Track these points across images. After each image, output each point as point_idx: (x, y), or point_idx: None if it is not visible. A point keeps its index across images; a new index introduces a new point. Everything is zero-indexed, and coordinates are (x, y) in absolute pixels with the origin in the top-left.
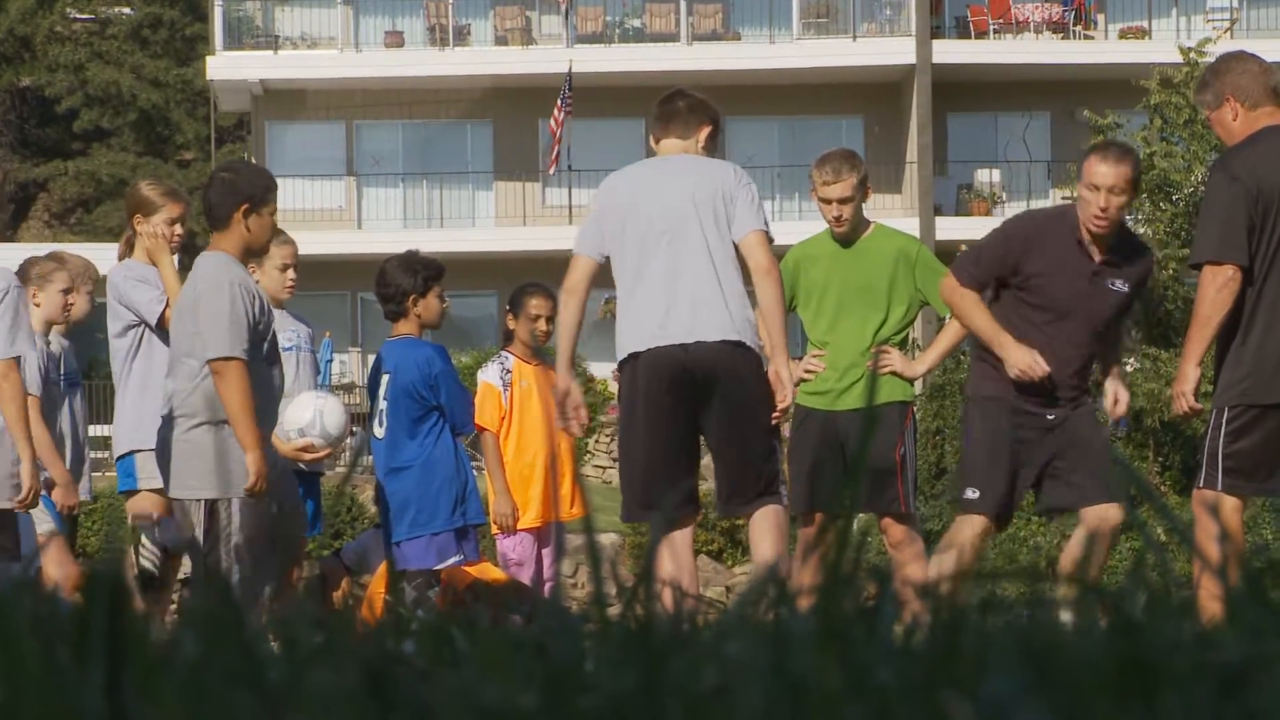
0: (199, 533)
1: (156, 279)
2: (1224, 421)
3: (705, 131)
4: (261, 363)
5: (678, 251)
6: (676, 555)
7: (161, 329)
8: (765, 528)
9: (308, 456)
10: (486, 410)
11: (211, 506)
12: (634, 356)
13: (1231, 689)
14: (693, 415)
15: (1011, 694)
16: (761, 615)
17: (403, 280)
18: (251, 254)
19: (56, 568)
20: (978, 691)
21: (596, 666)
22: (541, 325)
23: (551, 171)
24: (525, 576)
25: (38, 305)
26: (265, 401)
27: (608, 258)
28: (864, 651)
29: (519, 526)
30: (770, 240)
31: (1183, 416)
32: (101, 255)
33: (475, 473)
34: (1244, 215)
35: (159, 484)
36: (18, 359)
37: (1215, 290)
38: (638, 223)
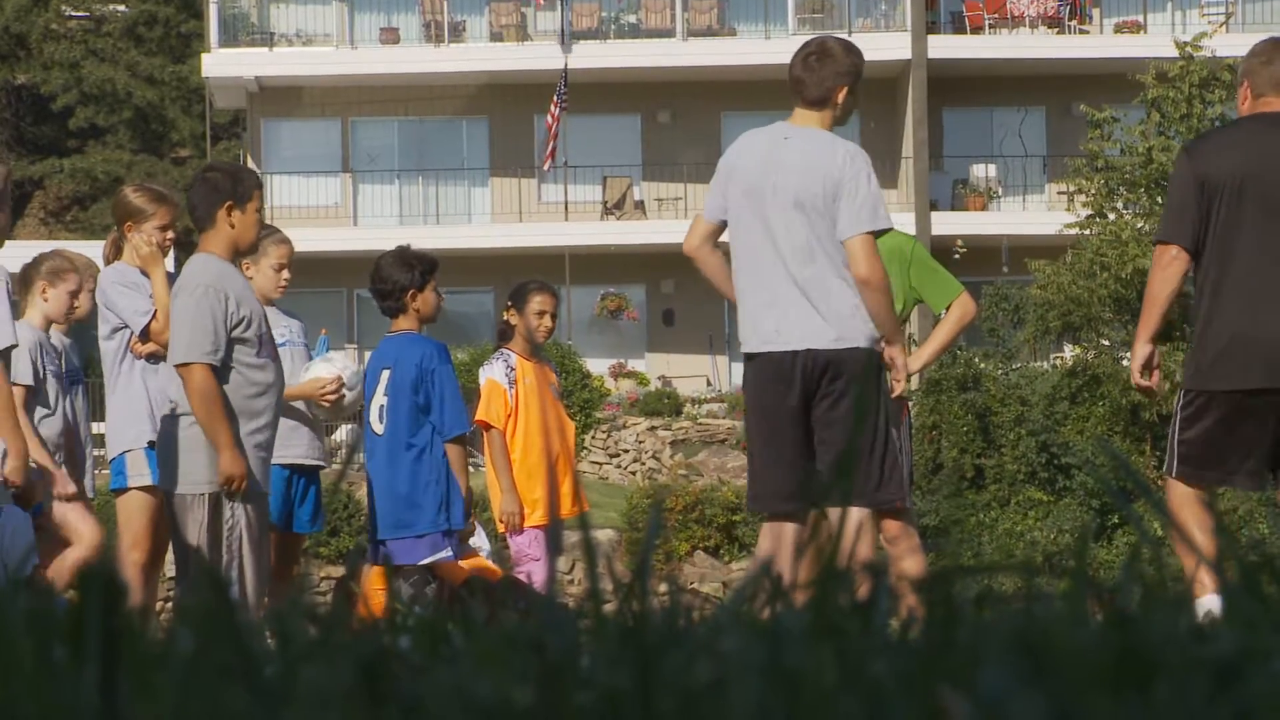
0: (201, 528)
1: (146, 285)
2: (1179, 408)
3: (842, 94)
4: (245, 361)
5: (788, 252)
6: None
7: (145, 339)
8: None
9: (323, 392)
10: (494, 408)
11: (215, 502)
12: (750, 356)
13: (1226, 682)
14: (805, 415)
15: (1007, 687)
16: (757, 610)
17: (400, 276)
18: (239, 252)
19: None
20: (974, 685)
21: (592, 662)
22: (547, 322)
23: (548, 168)
24: (541, 572)
25: (45, 300)
26: (254, 398)
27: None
28: (859, 646)
29: (529, 524)
30: (878, 234)
31: (1141, 392)
32: (98, 253)
33: (473, 470)
34: (1192, 199)
35: (148, 482)
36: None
37: (1160, 270)
38: (756, 216)
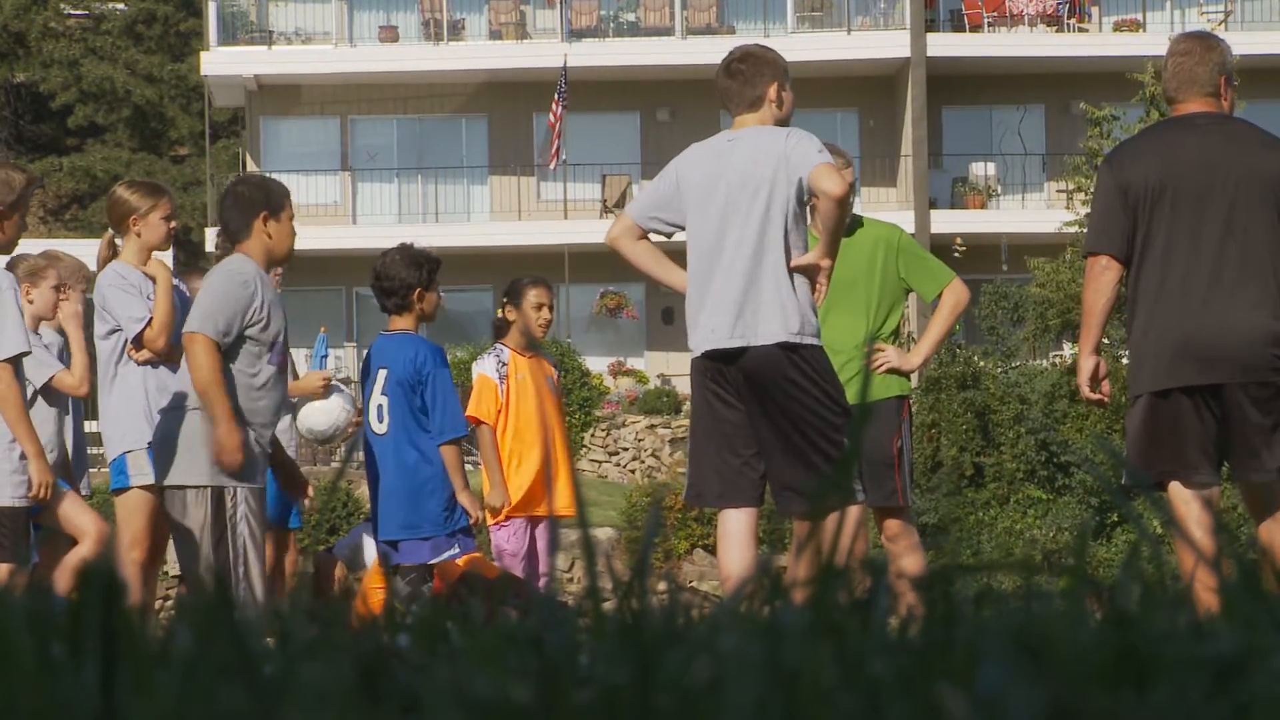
0: (205, 525)
1: (146, 286)
2: (1127, 414)
3: (773, 88)
4: (253, 352)
5: (732, 253)
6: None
7: (139, 346)
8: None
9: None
10: (484, 403)
11: (218, 494)
12: (695, 357)
13: (1226, 680)
14: (746, 414)
15: (1006, 685)
16: (756, 609)
17: (408, 274)
18: (275, 261)
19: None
20: (972, 683)
21: (590, 660)
22: (545, 314)
23: (552, 167)
24: (520, 568)
25: (30, 302)
26: (256, 399)
27: (647, 231)
28: (858, 644)
29: (511, 514)
30: (838, 167)
31: (1091, 404)
32: (96, 251)
33: (473, 468)
34: (1117, 208)
35: (150, 481)
36: (13, 360)
37: (1093, 281)
38: (707, 218)
